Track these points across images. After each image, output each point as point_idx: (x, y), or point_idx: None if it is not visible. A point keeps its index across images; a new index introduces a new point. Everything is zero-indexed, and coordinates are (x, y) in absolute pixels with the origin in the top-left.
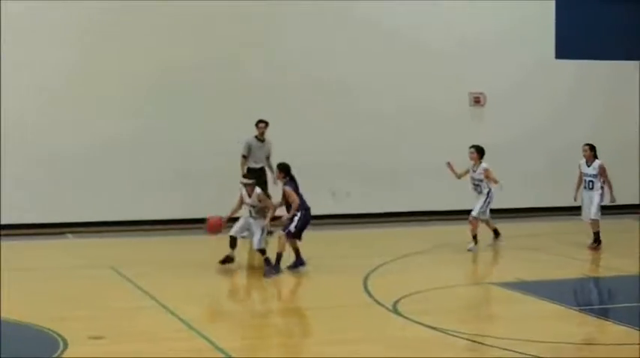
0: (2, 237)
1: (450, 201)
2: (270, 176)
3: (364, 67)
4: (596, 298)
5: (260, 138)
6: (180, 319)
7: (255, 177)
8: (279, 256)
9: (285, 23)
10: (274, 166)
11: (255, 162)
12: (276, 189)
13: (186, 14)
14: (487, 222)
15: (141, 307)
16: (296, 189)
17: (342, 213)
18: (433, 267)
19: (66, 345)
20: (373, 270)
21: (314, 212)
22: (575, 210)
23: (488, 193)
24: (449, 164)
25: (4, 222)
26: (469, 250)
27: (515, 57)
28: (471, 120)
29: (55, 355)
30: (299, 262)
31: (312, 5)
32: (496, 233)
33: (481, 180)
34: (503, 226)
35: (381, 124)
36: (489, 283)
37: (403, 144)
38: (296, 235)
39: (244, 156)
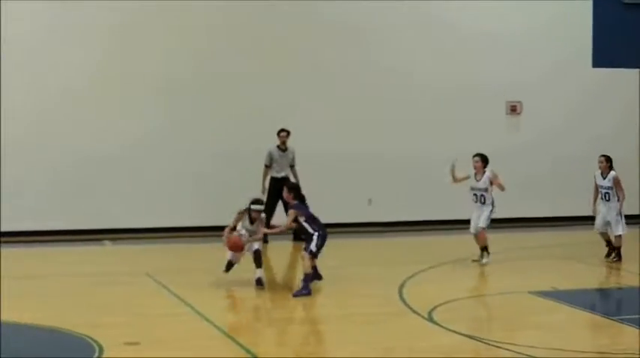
0: (33, 244)
1: None
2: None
3: (402, 75)
4: (632, 307)
5: (282, 147)
6: (216, 326)
7: (278, 186)
8: (307, 277)
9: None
10: (298, 173)
11: (277, 171)
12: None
13: (214, 14)
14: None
15: (177, 313)
16: (306, 210)
17: (377, 221)
18: (469, 275)
19: (102, 351)
20: (409, 278)
21: (349, 219)
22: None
23: (493, 203)
24: (453, 165)
25: (32, 228)
26: (477, 262)
27: (550, 63)
28: (507, 130)
29: None
30: (317, 277)
31: (337, 5)
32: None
33: (486, 190)
34: (537, 235)
35: (416, 132)
36: (525, 292)
37: (440, 151)
38: (316, 254)
39: (267, 166)
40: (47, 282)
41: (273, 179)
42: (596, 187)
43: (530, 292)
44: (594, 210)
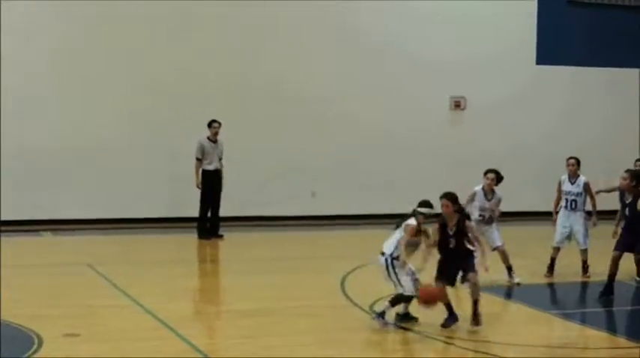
0: None
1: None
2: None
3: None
4: (564, 303)
5: (212, 139)
6: (157, 318)
7: (210, 178)
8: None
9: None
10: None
11: (209, 163)
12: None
13: (179, 20)
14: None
15: (117, 305)
16: None
17: (326, 215)
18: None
19: (41, 343)
20: (351, 271)
21: (296, 212)
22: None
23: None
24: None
25: None
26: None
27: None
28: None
29: (30, 352)
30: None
31: (294, 15)
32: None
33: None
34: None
35: (361, 130)
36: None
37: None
38: None
39: (198, 159)
40: None
41: (205, 172)
42: (559, 194)
43: None
44: (555, 220)
